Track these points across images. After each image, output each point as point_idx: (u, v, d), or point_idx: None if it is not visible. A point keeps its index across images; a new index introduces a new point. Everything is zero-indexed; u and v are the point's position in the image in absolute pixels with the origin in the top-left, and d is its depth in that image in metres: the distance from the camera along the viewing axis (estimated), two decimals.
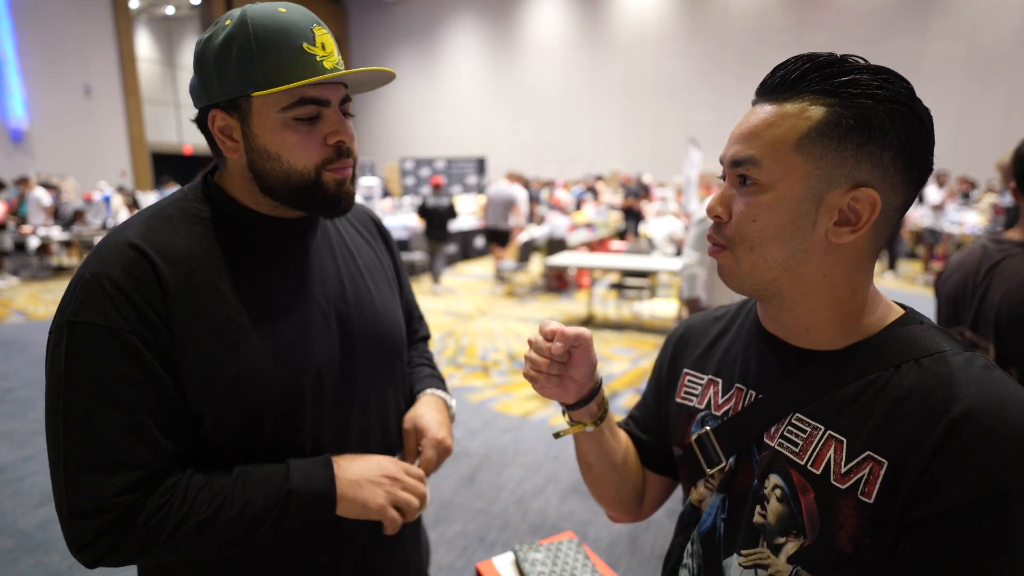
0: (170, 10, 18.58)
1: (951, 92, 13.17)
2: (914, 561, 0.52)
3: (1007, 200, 8.05)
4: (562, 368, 0.70)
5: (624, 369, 4.64)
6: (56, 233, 8.79)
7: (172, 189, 11.89)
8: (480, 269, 9.57)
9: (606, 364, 4.75)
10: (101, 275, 0.68)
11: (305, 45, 0.70)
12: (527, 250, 7.54)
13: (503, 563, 1.18)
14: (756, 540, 0.63)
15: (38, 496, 2.78)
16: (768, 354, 0.67)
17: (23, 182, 9.35)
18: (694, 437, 0.72)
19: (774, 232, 0.58)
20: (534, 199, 10.35)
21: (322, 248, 0.85)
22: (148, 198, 11.85)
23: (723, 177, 0.64)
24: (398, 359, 0.95)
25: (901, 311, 0.63)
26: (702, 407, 0.74)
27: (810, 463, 0.59)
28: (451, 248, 9.50)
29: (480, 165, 15.55)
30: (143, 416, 0.68)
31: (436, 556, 2.35)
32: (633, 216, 9.76)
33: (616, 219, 10.15)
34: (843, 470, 0.56)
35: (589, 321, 6.17)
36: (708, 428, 0.70)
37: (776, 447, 0.62)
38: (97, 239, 9.17)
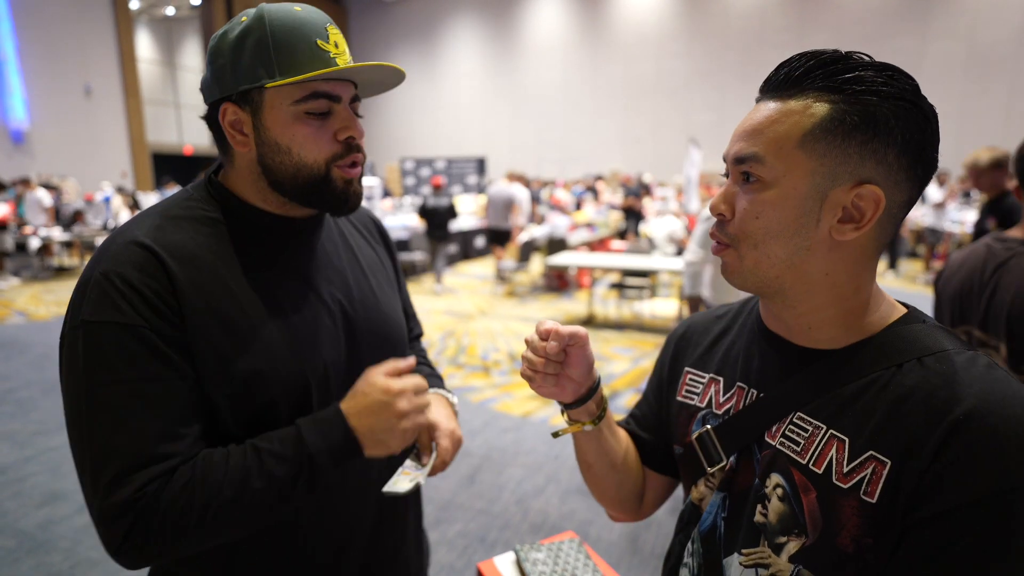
0: (170, 11, 18.59)
1: (951, 92, 13.16)
2: (917, 561, 0.51)
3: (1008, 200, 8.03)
4: (558, 367, 0.70)
5: (625, 369, 4.64)
6: (57, 234, 8.80)
7: (173, 190, 11.95)
8: (481, 269, 9.57)
9: (607, 364, 4.74)
10: (111, 273, 0.67)
11: (319, 41, 0.72)
12: (527, 250, 7.54)
13: (504, 563, 1.18)
14: (757, 539, 0.63)
15: (39, 497, 2.78)
16: (770, 353, 0.67)
17: (24, 183, 9.36)
18: (695, 435, 0.72)
19: (777, 229, 0.58)
20: (535, 199, 10.36)
21: (327, 248, 0.86)
22: (149, 198, 11.86)
23: (726, 175, 0.63)
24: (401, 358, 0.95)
25: (903, 310, 0.63)
26: (703, 406, 0.74)
27: (812, 462, 0.59)
28: (452, 248, 9.50)
29: (480, 165, 15.54)
30: (167, 410, 0.68)
31: (437, 556, 2.35)
32: (633, 216, 9.76)
33: (616, 219, 10.15)
34: (845, 470, 0.56)
35: (590, 321, 6.17)
36: (709, 426, 0.70)
37: (778, 446, 0.62)
38: (98, 240, 9.18)
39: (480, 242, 10.54)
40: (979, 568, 0.49)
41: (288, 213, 0.79)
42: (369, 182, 9.25)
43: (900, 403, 0.55)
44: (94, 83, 14.30)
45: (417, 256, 8.58)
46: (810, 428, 0.60)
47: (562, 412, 0.77)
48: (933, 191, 8.37)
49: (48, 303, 7.01)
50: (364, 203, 0.89)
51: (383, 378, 0.76)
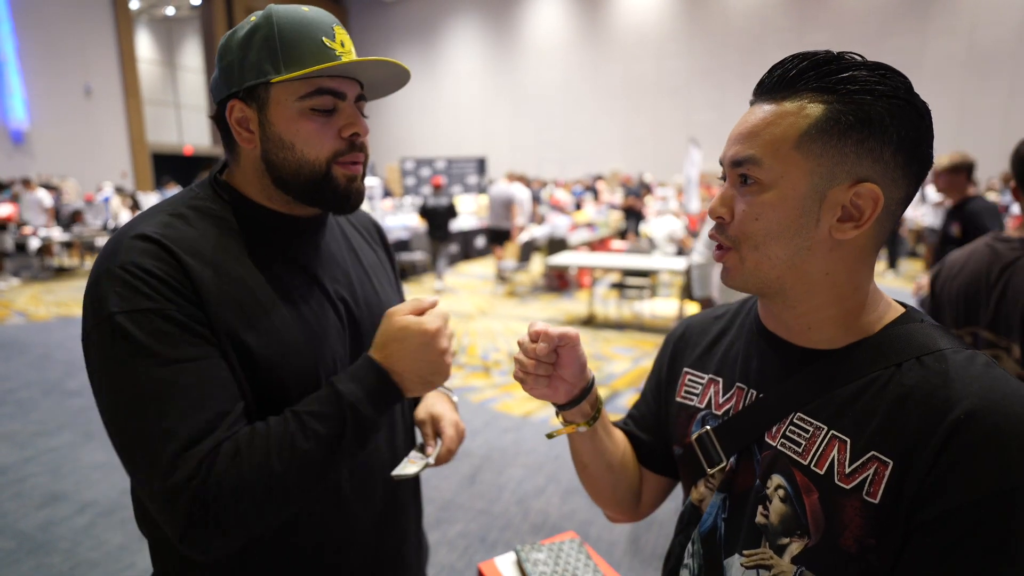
0: (170, 11, 18.60)
1: (951, 90, 13.17)
2: (923, 564, 0.51)
3: (1007, 199, 8.05)
4: (550, 368, 0.70)
5: (625, 369, 4.64)
6: (57, 234, 8.80)
7: (173, 190, 11.95)
8: (481, 269, 9.57)
9: (607, 364, 4.74)
10: (128, 264, 0.67)
11: (325, 39, 0.73)
12: (528, 250, 7.54)
13: (505, 563, 1.18)
14: (758, 540, 0.63)
15: (39, 497, 2.78)
16: (769, 353, 0.67)
17: (26, 183, 9.37)
18: (695, 436, 0.72)
19: (778, 230, 0.58)
20: (535, 199, 10.36)
21: (331, 247, 0.87)
22: (149, 199, 11.86)
23: (723, 178, 0.63)
24: None
25: (901, 309, 0.63)
26: (702, 406, 0.74)
27: (814, 463, 0.58)
28: (453, 248, 9.51)
29: (481, 165, 15.54)
30: (212, 387, 0.67)
31: (438, 556, 2.35)
32: (634, 216, 9.76)
33: (617, 218, 10.15)
34: (847, 470, 0.56)
35: (590, 321, 6.17)
36: (709, 427, 0.70)
37: (778, 447, 0.62)
38: (98, 240, 9.19)
39: (480, 242, 10.55)
40: (984, 569, 0.49)
41: (293, 212, 0.80)
42: (369, 182, 9.24)
43: (900, 403, 0.55)
44: (94, 83, 14.31)
45: (417, 256, 8.59)
46: (811, 429, 0.60)
47: (557, 413, 0.77)
48: (933, 191, 8.37)
49: (48, 304, 7.01)
50: (365, 203, 0.89)
51: (415, 320, 0.74)
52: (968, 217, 2.93)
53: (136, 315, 0.65)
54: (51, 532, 2.51)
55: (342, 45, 0.75)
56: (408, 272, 8.72)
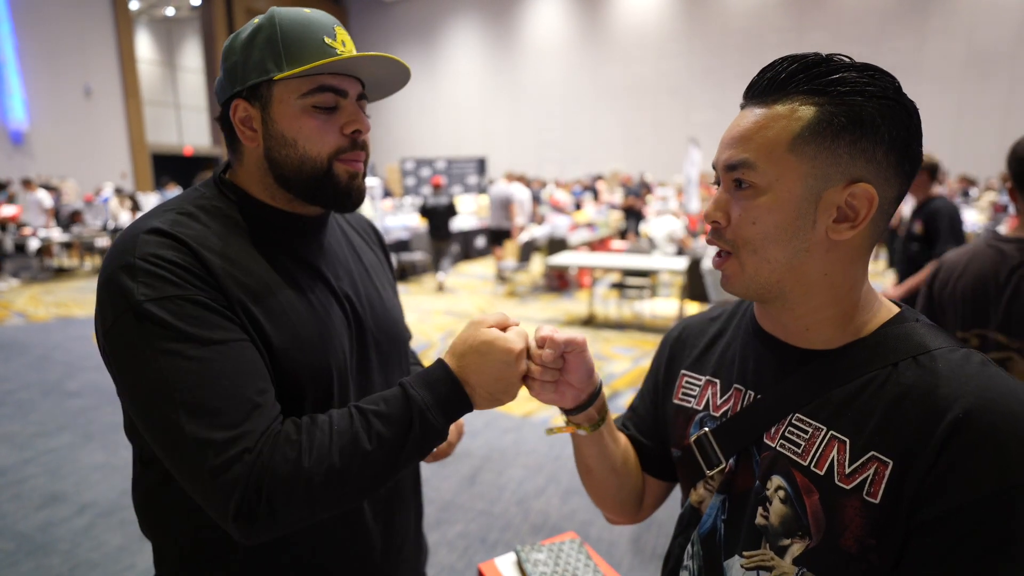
0: (170, 11, 18.59)
1: (950, 91, 13.17)
2: (923, 564, 0.52)
3: (1006, 199, 8.04)
4: (556, 374, 0.70)
5: (625, 369, 4.64)
6: (56, 235, 8.79)
7: (173, 190, 11.95)
8: (481, 269, 9.57)
9: (607, 363, 4.74)
10: (148, 256, 0.67)
11: (327, 38, 0.75)
12: (528, 250, 7.55)
13: (505, 564, 1.17)
14: (758, 542, 0.63)
15: (38, 498, 2.78)
16: (766, 354, 0.67)
17: (26, 184, 9.36)
18: (693, 438, 0.72)
19: (775, 233, 0.58)
20: (535, 199, 10.36)
21: (333, 246, 0.87)
22: (149, 199, 11.86)
23: (717, 182, 0.63)
24: (404, 358, 0.98)
25: (896, 309, 0.64)
26: (700, 408, 0.74)
27: (813, 464, 0.58)
28: (455, 247, 9.52)
29: (480, 165, 15.55)
30: (249, 365, 0.67)
31: (438, 557, 2.35)
32: (634, 215, 9.76)
33: (617, 219, 10.15)
34: (847, 471, 0.56)
35: (590, 320, 6.17)
36: (707, 429, 0.70)
37: (777, 448, 0.62)
38: (97, 240, 9.18)
39: (480, 242, 10.55)
40: (985, 569, 0.49)
41: (296, 210, 0.81)
42: (369, 182, 9.25)
43: (898, 402, 0.55)
44: (94, 84, 14.31)
45: (417, 256, 8.59)
46: (810, 430, 0.60)
47: (565, 421, 0.77)
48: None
49: (47, 304, 7.01)
50: (367, 202, 0.89)
51: (503, 336, 0.71)
52: (929, 215, 3.01)
53: (165, 301, 0.65)
54: (50, 533, 2.50)
55: (343, 44, 0.76)
56: (408, 272, 8.73)
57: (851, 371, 0.59)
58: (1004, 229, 1.54)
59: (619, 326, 5.96)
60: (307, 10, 0.77)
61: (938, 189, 3.22)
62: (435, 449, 0.85)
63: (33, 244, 8.38)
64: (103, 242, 9.14)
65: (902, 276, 3.32)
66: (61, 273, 9.27)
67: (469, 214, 11.01)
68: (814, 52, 0.58)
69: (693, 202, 9.17)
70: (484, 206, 9.53)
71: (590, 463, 0.79)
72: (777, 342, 0.66)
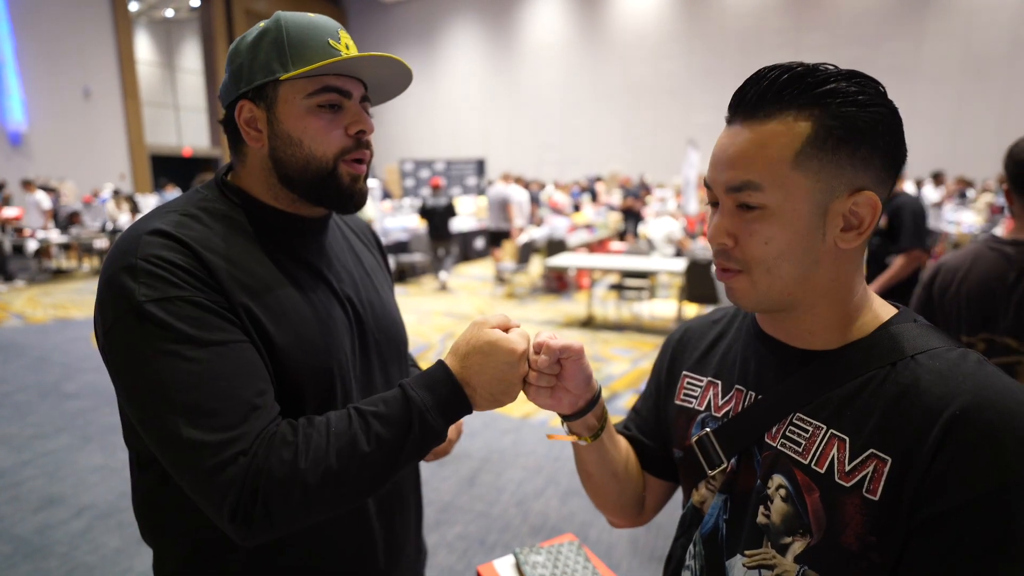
0: (169, 13, 18.59)
1: (947, 93, 13.20)
2: (924, 563, 0.52)
3: (1002, 200, 8.03)
4: (552, 380, 0.70)
5: (624, 370, 4.64)
6: (55, 236, 8.78)
7: (172, 192, 11.93)
8: (480, 270, 9.58)
9: (606, 365, 4.74)
10: (150, 257, 0.67)
11: (331, 41, 0.77)
12: (527, 251, 7.55)
13: (504, 566, 1.17)
14: (760, 540, 0.63)
15: (36, 501, 2.77)
16: (767, 355, 0.67)
17: (26, 185, 9.35)
18: (695, 439, 0.72)
19: (788, 251, 0.58)
20: (534, 200, 10.37)
21: (335, 248, 0.88)
22: (148, 201, 11.85)
23: (714, 204, 0.63)
24: (404, 360, 0.98)
25: (894, 310, 0.64)
26: (702, 409, 0.74)
27: (814, 462, 0.59)
28: (455, 248, 9.53)
29: (480, 166, 15.56)
30: (249, 367, 0.67)
31: (436, 559, 2.35)
32: (632, 217, 9.77)
33: (615, 220, 10.16)
34: (847, 468, 0.56)
35: (589, 322, 6.17)
36: (708, 429, 0.70)
37: (779, 447, 0.62)
38: (96, 242, 9.17)
39: (479, 243, 10.56)
40: (985, 568, 0.49)
41: (298, 212, 0.81)
42: (369, 183, 9.26)
43: (896, 401, 0.56)
44: (93, 85, 14.30)
45: (417, 257, 8.59)
46: (810, 429, 0.60)
47: (562, 423, 0.77)
48: (930, 191, 8.39)
49: (45, 306, 7.00)
50: (369, 202, 0.90)
51: (506, 337, 0.70)
52: (894, 211, 3.16)
53: (166, 302, 0.66)
54: (48, 536, 2.50)
55: (347, 47, 0.78)
56: (408, 273, 8.72)
57: (851, 371, 0.60)
58: (1000, 231, 1.53)
59: (618, 327, 5.97)
60: (311, 14, 0.79)
61: (902, 186, 3.36)
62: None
63: (31, 245, 8.37)
64: (101, 243, 9.13)
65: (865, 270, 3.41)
66: (59, 274, 9.26)
67: (468, 215, 11.01)
68: (797, 62, 0.57)
69: (691, 203, 9.18)
70: (483, 207, 9.54)
71: (590, 469, 0.79)
72: (778, 344, 0.66)
